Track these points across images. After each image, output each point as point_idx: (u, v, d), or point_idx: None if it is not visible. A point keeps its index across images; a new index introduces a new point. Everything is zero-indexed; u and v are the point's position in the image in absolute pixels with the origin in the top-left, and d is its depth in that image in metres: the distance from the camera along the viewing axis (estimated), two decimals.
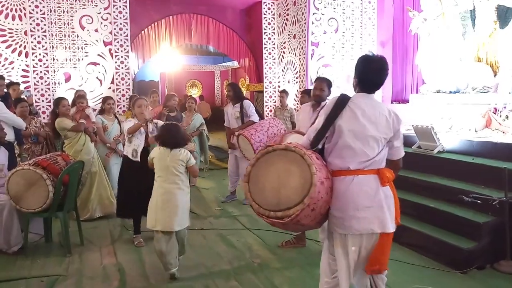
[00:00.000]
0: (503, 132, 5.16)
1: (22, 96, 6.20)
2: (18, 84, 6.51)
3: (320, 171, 2.25)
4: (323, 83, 4.02)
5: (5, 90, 5.71)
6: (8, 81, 6.42)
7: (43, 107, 7.37)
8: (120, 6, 7.74)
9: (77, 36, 7.60)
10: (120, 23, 7.76)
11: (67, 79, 7.64)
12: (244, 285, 3.48)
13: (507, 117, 5.25)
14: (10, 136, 4.77)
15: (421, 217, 4.29)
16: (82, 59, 7.66)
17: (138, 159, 4.22)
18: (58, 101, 5.20)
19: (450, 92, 6.51)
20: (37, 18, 7.25)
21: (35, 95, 7.23)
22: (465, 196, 3.83)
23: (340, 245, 2.41)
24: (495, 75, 6.10)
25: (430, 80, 7.00)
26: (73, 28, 7.56)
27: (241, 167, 5.96)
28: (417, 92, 7.62)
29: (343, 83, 8.19)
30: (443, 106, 6.24)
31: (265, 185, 2.28)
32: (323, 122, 2.43)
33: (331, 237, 2.48)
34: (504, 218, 3.70)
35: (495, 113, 5.43)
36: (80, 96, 5.66)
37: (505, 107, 5.35)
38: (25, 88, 7.06)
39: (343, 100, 2.42)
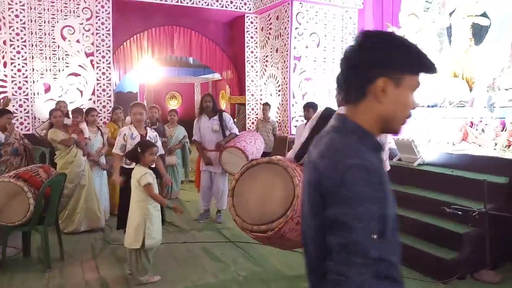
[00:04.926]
0: (479, 145, 5.32)
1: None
2: None
3: None
4: None
5: None
6: None
7: (21, 118, 7.22)
8: (102, 17, 7.70)
9: (58, 47, 7.52)
10: (103, 34, 7.71)
11: (47, 89, 7.52)
12: None
13: (483, 130, 5.42)
14: None
15: (403, 228, 4.35)
16: (63, 70, 7.56)
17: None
18: (51, 112, 5.34)
19: (428, 106, 6.69)
20: (17, 28, 7.14)
21: (13, 106, 7.08)
22: (447, 207, 3.92)
23: None
24: (471, 90, 6.31)
25: None
26: (54, 39, 7.48)
27: (215, 185, 5.72)
28: None
29: (324, 97, 8.32)
30: (421, 120, 6.40)
31: (249, 199, 2.26)
32: (307, 135, 2.44)
33: None
34: (484, 228, 3.81)
35: (471, 127, 5.60)
36: (75, 111, 5.60)
37: (480, 121, 5.53)
38: (2, 98, 6.89)
39: (327, 114, 2.44)
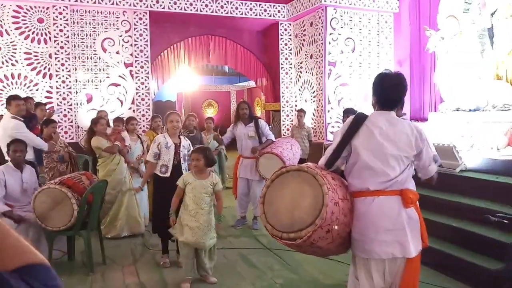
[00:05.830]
0: None
1: (56, 114, 6.67)
2: (44, 104, 6.67)
3: (334, 192, 2.20)
4: None
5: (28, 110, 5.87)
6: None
7: (65, 127, 7.53)
8: (141, 29, 7.95)
9: (99, 58, 7.81)
10: (141, 45, 7.95)
11: (89, 100, 7.82)
12: None
13: None
14: (29, 155, 4.88)
15: (445, 237, 4.23)
16: (104, 81, 7.85)
17: (168, 174, 4.24)
18: (97, 120, 5.43)
19: (470, 110, 6.46)
20: (61, 42, 7.48)
21: (58, 116, 7.39)
22: (491, 215, 3.77)
23: (364, 270, 2.35)
24: None
25: (448, 99, 6.96)
26: (95, 51, 7.78)
27: (252, 192, 5.79)
28: (435, 111, 7.57)
29: (360, 102, 8.22)
30: (463, 124, 6.19)
31: (279, 206, 2.26)
32: (338, 142, 2.41)
33: (355, 261, 2.44)
34: None
35: None
36: (117, 120, 5.79)
37: None
38: (48, 109, 7.19)
39: (359, 119, 2.39)
